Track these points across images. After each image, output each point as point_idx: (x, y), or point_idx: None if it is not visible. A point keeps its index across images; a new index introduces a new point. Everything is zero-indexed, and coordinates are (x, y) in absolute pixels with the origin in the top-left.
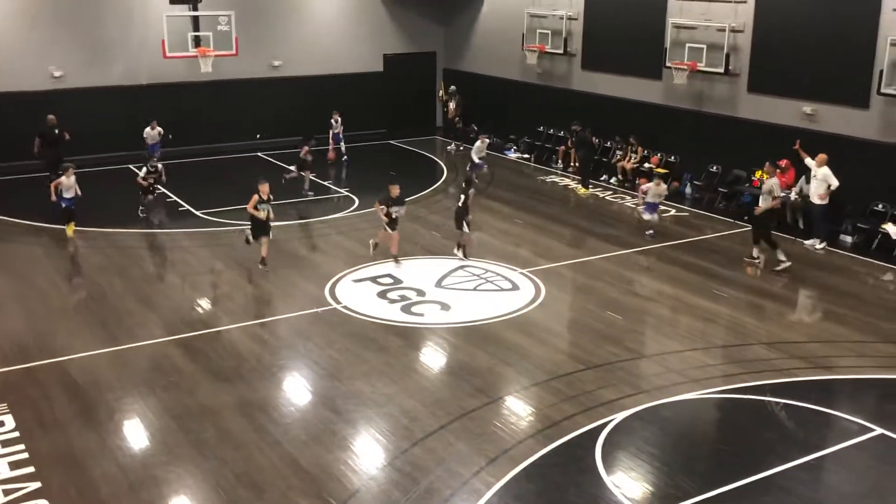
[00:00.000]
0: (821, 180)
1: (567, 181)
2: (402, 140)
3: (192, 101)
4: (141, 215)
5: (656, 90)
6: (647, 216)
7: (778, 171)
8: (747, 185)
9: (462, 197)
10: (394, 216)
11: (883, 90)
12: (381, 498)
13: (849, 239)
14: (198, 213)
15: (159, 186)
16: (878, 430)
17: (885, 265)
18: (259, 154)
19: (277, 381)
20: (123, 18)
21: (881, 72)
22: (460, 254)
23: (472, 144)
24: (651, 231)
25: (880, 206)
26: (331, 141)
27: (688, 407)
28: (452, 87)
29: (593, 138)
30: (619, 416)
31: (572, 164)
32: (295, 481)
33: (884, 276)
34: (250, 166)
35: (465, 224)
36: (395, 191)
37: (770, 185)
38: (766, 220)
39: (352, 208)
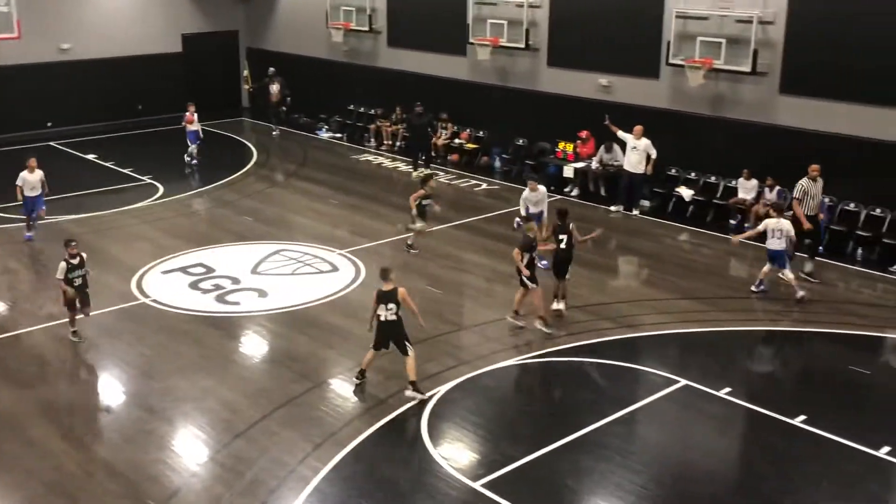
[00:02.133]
0: (642, 151)
1: (381, 159)
2: (208, 123)
3: None
4: None
5: (462, 66)
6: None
7: (579, 141)
8: (552, 156)
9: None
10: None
11: (671, 61)
12: (203, 495)
13: (647, 203)
14: None
15: None
16: (683, 382)
17: (680, 226)
18: (52, 143)
19: (85, 384)
20: None
21: (669, 43)
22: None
23: (297, 128)
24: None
25: (673, 170)
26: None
27: (508, 374)
28: (272, 70)
29: (433, 122)
30: (443, 389)
31: (386, 142)
32: (111, 486)
33: (680, 237)
34: (43, 157)
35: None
36: (535, 230)
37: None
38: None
39: (156, 196)
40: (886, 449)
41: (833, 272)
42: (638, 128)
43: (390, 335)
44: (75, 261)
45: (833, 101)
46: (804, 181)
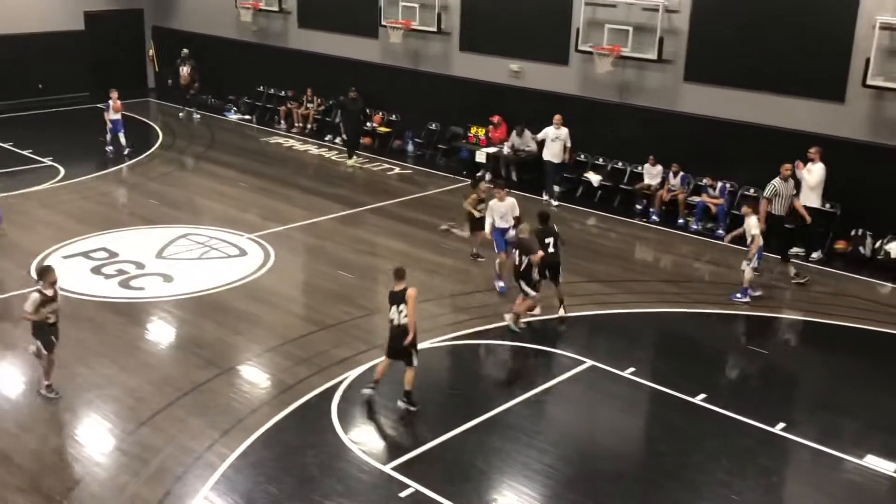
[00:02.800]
0: (563, 140)
1: (292, 142)
2: None
3: None
4: None
5: (374, 49)
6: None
7: (491, 126)
8: (464, 141)
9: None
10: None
11: (580, 47)
12: (108, 484)
13: (556, 188)
14: None
15: None
16: (589, 363)
17: (589, 211)
18: None
19: None
20: None
21: (578, 30)
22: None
23: (205, 109)
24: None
25: (582, 156)
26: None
27: (419, 357)
28: (185, 51)
29: (365, 108)
30: (354, 374)
31: (297, 124)
32: (8, 477)
33: (588, 221)
34: None
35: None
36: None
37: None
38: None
39: (57, 179)
40: (781, 425)
41: (735, 255)
42: (557, 116)
43: (401, 340)
44: (50, 292)
45: (735, 89)
46: (776, 181)
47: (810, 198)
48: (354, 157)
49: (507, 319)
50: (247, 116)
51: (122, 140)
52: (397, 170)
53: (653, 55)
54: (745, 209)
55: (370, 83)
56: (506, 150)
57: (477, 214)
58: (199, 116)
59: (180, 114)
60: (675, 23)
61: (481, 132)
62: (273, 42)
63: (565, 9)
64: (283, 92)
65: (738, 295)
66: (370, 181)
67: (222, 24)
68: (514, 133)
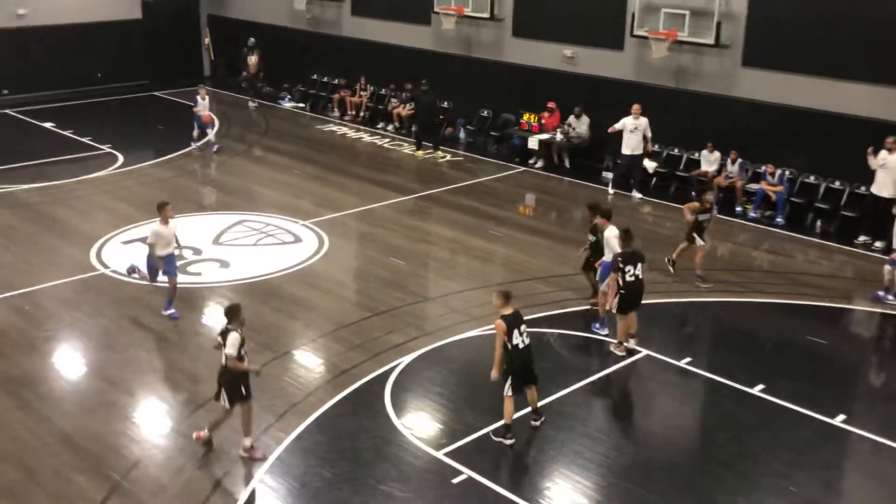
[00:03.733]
0: (642, 131)
1: (345, 130)
2: (168, 91)
3: None
4: None
5: (426, 36)
6: None
7: (545, 113)
8: (516, 128)
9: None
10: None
11: (635, 32)
12: (165, 465)
13: (610, 175)
14: None
15: None
16: (645, 352)
17: (644, 198)
18: (8, 111)
19: (43, 355)
20: None
21: (633, 14)
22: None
23: (260, 97)
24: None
25: None
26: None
27: (471, 345)
28: (252, 40)
29: (435, 100)
30: (407, 360)
31: (350, 112)
32: (69, 457)
33: (643, 209)
34: None
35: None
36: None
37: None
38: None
39: (115, 166)
40: (842, 417)
41: (792, 244)
42: (636, 106)
43: (529, 363)
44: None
45: (794, 74)
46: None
47: (887, 186)
48: (422, 149)
49: (617, 350)
50: (300, 104)
51: (211, 135)
52: (449, 157)
53: (710, 40)
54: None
55: (422, 70)
56: (558, 137)
57: (690, 218)
58: (255, 104)
59: (250, 102)
60: (732, 7)
61: (533, 119)
62: (326, 30)
63: None
64: (335, 80)
65: (881, 294)
66: (422, 168)
67: (277, 12)
68: (568, 120)
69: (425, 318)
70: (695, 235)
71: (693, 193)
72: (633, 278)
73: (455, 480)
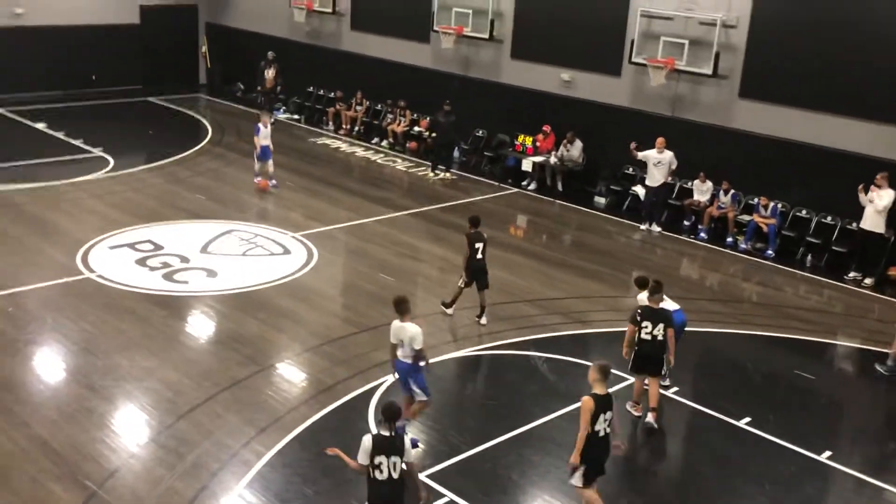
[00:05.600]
0: (667, 164)
1: (339, 143)
2: (163, 97)
3: None
4: None
5: (425, 53)
6: None
7: (540, 135)
8: (510, 149)
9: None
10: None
11: (633, 59)
12: (143, 476)
13: (602, 200)
14: None
15: None
16: (631, 379)
17: (635, 224)
18: (0, 110)
19: (24, 358)
20: None
21: (632, 41)
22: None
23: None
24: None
25: (630, 169)
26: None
27: (457, 365)
28: (271, 54)
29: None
30: (392, 378)
31: (345, 126)
32: (46, 464)
33: (634, 235)
34: None
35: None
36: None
37: None
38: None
39: (106, 169)
40: (828, 454)
41: (782, 277)
42: (660, 140)
43: (606, 455)
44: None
45: (791, 107)
46: None
47: (875, 222)
48: (437, 171)
49: (651, 419)
50: (295, 116)
51: (270, 167)
52: (442, 175)
53: (708, 70)
54: None
55: (418, 88)
56: (553, 160)
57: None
58: (278, 116)
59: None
60: (732, 38)
61: (528, 140)
62: (325, 43)
63: (620, 20)
64: (332, 93)
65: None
66: (414, 185)
67: (275, 23)
68: (563, 143)
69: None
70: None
71: (685, 223)
72: (648, 336)
73: (437, 503)
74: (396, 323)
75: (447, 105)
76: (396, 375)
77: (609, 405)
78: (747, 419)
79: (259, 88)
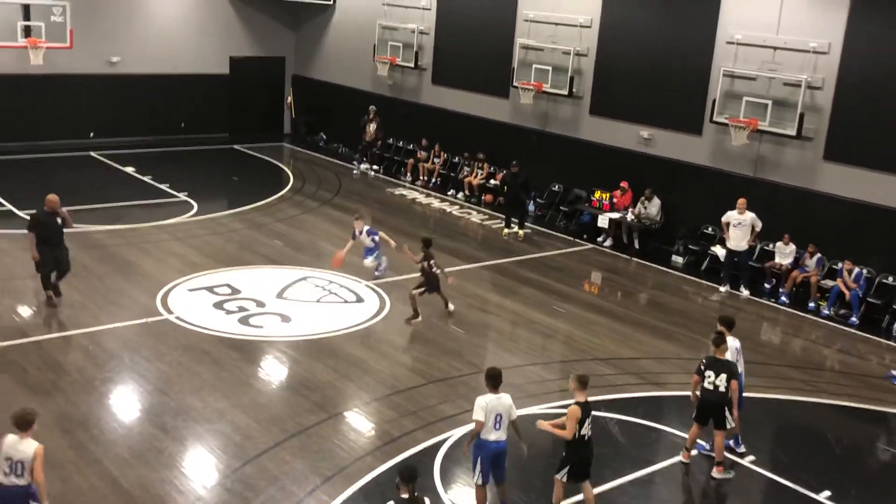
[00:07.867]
0: (748, 225)
1: (416, 194)
2: (248, 146)
3: (19, 94)
4: None
5: (503, 108)
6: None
7: (618, 191)
8: (587, 204)
9: None
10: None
11: (715, 118)
12: None
13: (680, 259)
14: (20, 213)
15: None
16: (705, 445)
17: (713, 285)
18: (92, 153)
19: (100, 396)
20: None
21: (714, 101)
22: None
23: (335, 157)
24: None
25: (710, 228)
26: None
27: (525, 423)
28: (373, 108)
29: (527, 182)
30: (459, 432)
31: (422, 177)
32: (114, 502)
33: (711, 296)
34: (82, 167)
35: None
36: None
37: None
38: None
39: (189, 213)
40: None
41: (866, 345)
42: (741, 200)
43: (591, 457)
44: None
45: (877, 171)
46: None
47: None
48: (509, 228)
49: (716, 473)
50: (375, 167)
51: (381, 268)
52: (516, 228)
53: (792, 131)
54: None
55: (496, 141)
56: (630, 216)
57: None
58: (367, 171)
59: (354, 171)
60: (817, 99)
61: (605, 196)
62: (406, 97)
63: (702, 79)
64: (411, 145)
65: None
66: (488, 238)
67: (359, 76)
68: (640, 201)
69: (480, 391)
70: None
71: (766, 286)
72: (710, 386)
73: None
74: (491, 397)
75: (514, 165)
76: (481, 461)
77: (589, 411)
78: (827, 493)
79: (365, 142)
